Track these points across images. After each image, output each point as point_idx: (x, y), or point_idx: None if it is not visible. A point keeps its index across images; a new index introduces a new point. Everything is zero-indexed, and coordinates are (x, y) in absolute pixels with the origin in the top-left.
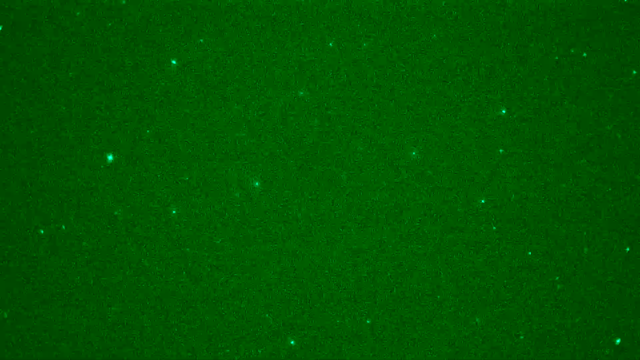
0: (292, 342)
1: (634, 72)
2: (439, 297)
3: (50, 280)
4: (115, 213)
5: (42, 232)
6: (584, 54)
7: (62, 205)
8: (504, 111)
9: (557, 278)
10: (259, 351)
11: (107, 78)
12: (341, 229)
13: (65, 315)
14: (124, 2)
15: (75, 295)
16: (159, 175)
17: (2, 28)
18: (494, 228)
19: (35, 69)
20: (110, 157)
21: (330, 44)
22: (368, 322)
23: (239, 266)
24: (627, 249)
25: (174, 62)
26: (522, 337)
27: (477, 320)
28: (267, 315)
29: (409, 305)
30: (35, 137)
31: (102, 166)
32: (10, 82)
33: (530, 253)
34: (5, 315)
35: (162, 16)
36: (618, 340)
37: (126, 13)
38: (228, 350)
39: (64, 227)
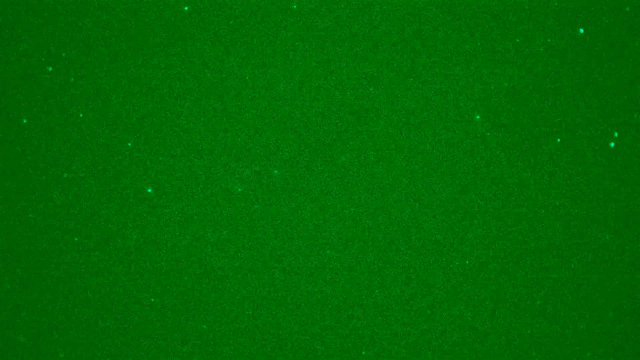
0: (295, 340)
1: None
2: (442, 294)
3: (52, 277)
4: (114, 210)
5: (44, 228)
6: (588, 50)
7: (64, 201)
8: (507, 107)
9: (561, 275)
10: (261, 351)
11: (108, 75)
12: (344, 227)
13: (67, 312)
14: None
15: (78, 292)
16: (161, 172)
17: (4, 23)
18: (498, 224)
19: (38, 64)
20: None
21: (333, 41)
22: (371, 319)
23: (242, 264)
24: (631, 245)
25: (176, 57)
26: (525, 333)
27: (480, 316)
28: (270, 312)
29: (411, 303)
30: (38, 134)
31: (103, 162)
32: (12, 78)
33: (533, 249)
34: (8, 310)
35: (165, 13)
36: (621, 337)
37: (129, 11)
38: (230, 347)
39: (67, 223)
